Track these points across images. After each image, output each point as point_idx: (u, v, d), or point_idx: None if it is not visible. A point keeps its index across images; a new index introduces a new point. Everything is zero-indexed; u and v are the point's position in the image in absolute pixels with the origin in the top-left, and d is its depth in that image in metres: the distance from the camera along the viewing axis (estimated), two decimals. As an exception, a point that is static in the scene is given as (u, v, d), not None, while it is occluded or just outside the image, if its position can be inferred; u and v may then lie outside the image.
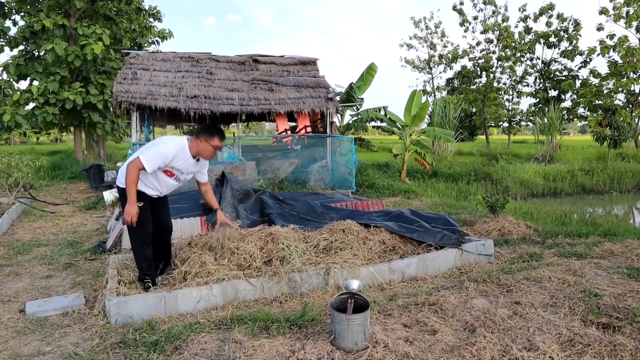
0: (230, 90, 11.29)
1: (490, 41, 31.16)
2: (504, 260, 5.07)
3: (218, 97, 10.92)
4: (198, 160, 3.87)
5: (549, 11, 27.95)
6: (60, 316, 3.70)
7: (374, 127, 17.39)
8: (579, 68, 27.51)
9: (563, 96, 28.16)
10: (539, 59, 29.87)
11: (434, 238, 4.90)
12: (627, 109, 22.24)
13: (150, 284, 3.85)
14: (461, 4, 31.47)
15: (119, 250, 5.73)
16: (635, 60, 21.28)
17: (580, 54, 27.18)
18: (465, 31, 32.40)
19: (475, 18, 31.47)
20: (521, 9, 29.34)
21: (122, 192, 3.80)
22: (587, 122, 26.45)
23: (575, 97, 26.64)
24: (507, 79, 32.15)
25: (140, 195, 3.75)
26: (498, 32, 30.09)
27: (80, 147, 18.43)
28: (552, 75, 29.04)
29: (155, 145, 3.68)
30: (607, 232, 6.35)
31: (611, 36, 22.68)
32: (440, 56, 34.53)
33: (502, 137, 56.73)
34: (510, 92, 32.62)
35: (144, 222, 3.83)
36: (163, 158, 3.62)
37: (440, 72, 45.96)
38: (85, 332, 3.38)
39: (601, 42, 22.95)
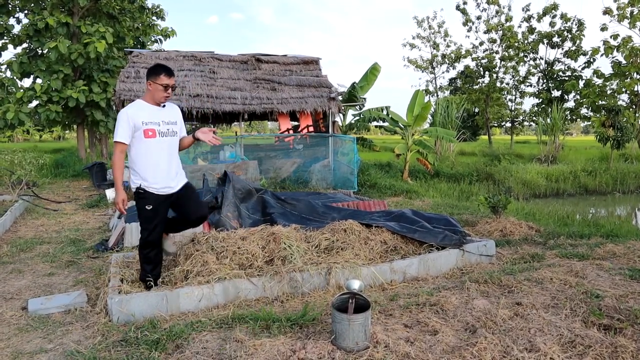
0: (232, 89, 11.30)
1: (493, 41, 31.10)
2: (505, 260, 5.07)
3: (220, 96, 10.93)
4: (164, 106, 3.79)
5: (553, 11, 27.89)
6: (63, 314, 3.71)
7: (376, 126, 17.39)
8: (583, 68, 27.46)
9: (566, 96, 28.10)
10: (542, 59, 29.84)
11: (435, 238, 4.90)
12: (631, 109, 22.16)
13: (152, 283, 3.85)
14: (464, 3, 31.41)
15: (121, 248, 5.74)
16: (639, 61, 21.20)
17: (584, 54, 27.10)
18: (468, 31, 32.36)
19: (478, 18, 31.41)
20: (525, 9, 29.29)
21: (135, 194, 3.74)
22: (590, 123, 26.40)
23: (578, 97, 26.57)
24: (510, 79, 32.12)
25: (150, 197, 3.68)
26: (501, 31, 30.02)
27: (82, 145, 18.48)
28: (555, 76, 28.96)
29: (116, 122, 3.69)
30: (610, 233, 6.34)
31: (615, 36, 22.60)
32: (443, 56, 34.45)
33: (505, 137, 56.64)
34: (513, 92, 32.56)
35: (151, 225, 3.75)
36: (127, 119, 3.57)
37: (443, 72, 46.01)
38: (87, 330, 3.39)
39: (605, 42, 22.87)
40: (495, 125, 38.23)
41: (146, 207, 3.69)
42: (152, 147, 3.67)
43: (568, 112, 26.19)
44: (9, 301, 4.03)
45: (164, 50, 12.52)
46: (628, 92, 22.67)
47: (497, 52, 31.20)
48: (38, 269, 5.02)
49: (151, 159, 3.68)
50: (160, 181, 3.71)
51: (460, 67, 35.02)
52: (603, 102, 23.10)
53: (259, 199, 6.18)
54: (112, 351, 2.98)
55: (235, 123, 17.64)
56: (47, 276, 4.75)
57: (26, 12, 16.75)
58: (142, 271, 3.92)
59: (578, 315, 3.26)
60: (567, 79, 27.99)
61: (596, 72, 24.28)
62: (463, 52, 32.91)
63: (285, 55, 12.87)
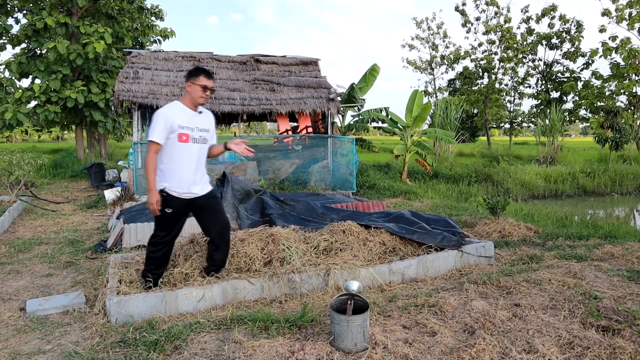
0: (231, 90, 11.30)
1: (492, 42, 31.15)
2: (504, 262, 5.07)
3: (219, 96, 10.93)
4: (200, 112, 3.80)
5: (552, 12, 27.94)
6: (61, 315, 3.70)
7: (375, 127, 17.40)
8: (581, 69, 27.50)
9: (565, 98, 28.15)
10: (541, 60, 29.90)
11: (434, 239, 4.90)
12: (629, 110, 22.21)
13: (151, 284, 3.84)
14: (463, 4, 31.47)
15: (120, 249, 5.74)
16: (637, 62, 21.25)
17: (583, 55, 27.15)
18: (467, 32, 32.42)
19: (477, 19, 31.46)
20: (523, 10, 29.35)
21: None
22: (588, 124, 26.43)
23: (577, 98, 26.61)
24: (509, 80, 32.17)
25: (172, 200, 3.65)
26: (500, 33, 30.07)
27: (81, 146, 18.46)
28: (554, 77, 29.02)
29: (152, 122, 3.67)
30: (608, 234, 6.35)
31: (613, 38, 22.65)
32: (442, 57, 34.49)
33: (504, 138, 56.71)
34: (512, 94, 32.61)
35: (166, 226, 3.72)
36: (164, 120, 3.56)
37: (442, 73, 46.07)
38: (86, 330, 3.39)
39: (603, 43, 22.92)
40: (494, 126, 38.29)
41: (166, 209, 3.66)
42: (183, 151, 3.67)
43: (567, 113, 26.23)
44: (7, 302, 4.03)
45: (163, 51, 12.52)
46: (626, 93, 22.71)
47: (495, 54, 31.27)
48: (36, 269, 5.01)
49: (179, 163, 3.68)
50: (184, 186, 3.70)
51: (459, 68, 35.11)
52: (601, 104, 23.15)
53: (258, 199, 6.18)
54: (110, 352, 2.97)
55: (234, 124, 17.63)
56: (46, 277, 4.75)
57: (25, 12, 16.73)
58: (145, 268, 3.89)
59: (576, 317, 3.26)
60: (565, 80, 28.04)
61: (595, 74, 24.34)
62: (462, 53, 32.94)
63: (284, 56, 12.88)
